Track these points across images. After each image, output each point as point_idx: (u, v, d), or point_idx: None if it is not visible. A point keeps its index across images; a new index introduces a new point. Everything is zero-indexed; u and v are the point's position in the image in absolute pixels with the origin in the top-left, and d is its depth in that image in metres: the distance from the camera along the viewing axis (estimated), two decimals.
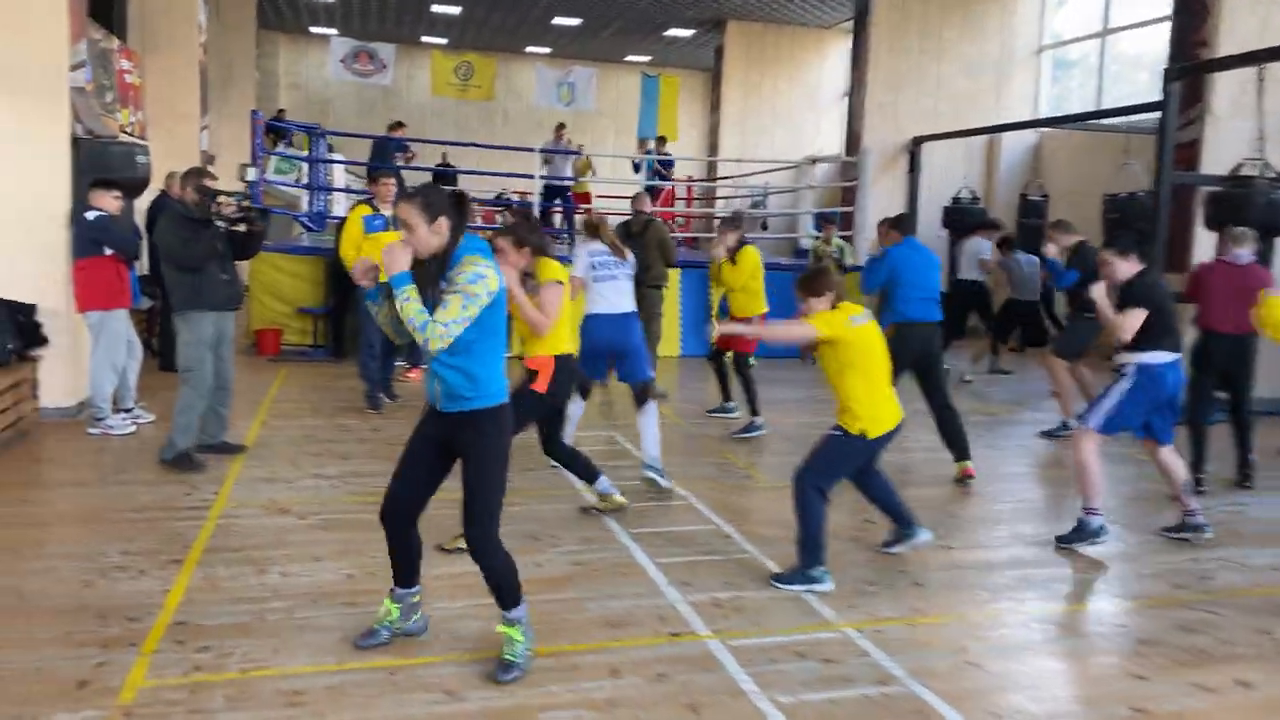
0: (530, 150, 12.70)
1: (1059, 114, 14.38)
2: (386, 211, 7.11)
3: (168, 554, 4.22)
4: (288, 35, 22.78)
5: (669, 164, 14.16)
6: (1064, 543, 4.82)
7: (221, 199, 5.45)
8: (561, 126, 14.14)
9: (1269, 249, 7.29)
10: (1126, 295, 4.78)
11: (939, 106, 14.37)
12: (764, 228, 18.35)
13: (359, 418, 7.13)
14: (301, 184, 14.18)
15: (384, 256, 3.05)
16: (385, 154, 13.35)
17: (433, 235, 3.05)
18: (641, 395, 5.54)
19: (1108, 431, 4.83)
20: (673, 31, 20.49)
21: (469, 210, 3.21)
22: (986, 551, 4.78)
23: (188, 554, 4.22)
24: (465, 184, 18.12)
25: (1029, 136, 14.44)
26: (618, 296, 5.54)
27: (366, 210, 7.26)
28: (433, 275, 3.10)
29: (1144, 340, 4.76)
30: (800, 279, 4.27)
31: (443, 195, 3.12)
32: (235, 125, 16.29)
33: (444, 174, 16.51)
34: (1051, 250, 7.40)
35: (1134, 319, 4.72)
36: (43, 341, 6.45)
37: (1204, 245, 8.78)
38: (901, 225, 6.36)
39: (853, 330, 4.15)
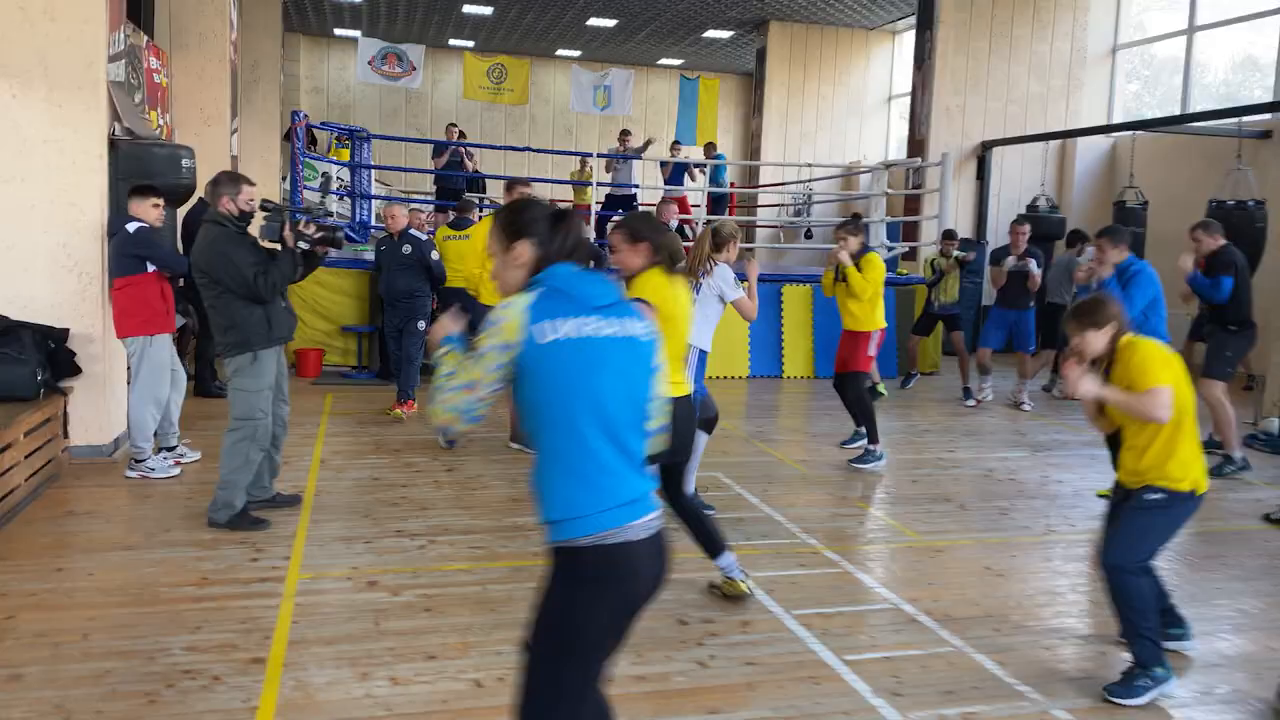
0: (589, 155, 11.93)
1: (1132, 118, 13.58)
2: None
3: (244, 649, 3.41)
4: (309, 37, 22.04)
5: (686, 168, 13.34)
6: None
7: (295, 217, 4.62)
8: (626, 133, 13.37)
9: None
10: None
11: (1009, 109, 13.59)
12: (808, 236, 17.58)
13: (426, 453, 6.32)
14: (333, 190, 13.42)
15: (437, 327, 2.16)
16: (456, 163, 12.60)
17: (510, 268, 2.10)
18: None
19: None
20: (711, 33, 19.70)
21: (571, 233, 2.11)
22: (1213, 640, 3.94)
23: (269, 649, 3.41)
24: (492, 191, 17.34)
25: (1104, 141, 13.63)
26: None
27: None
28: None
29: None
30: (1079, 308, 3.41)
31: (532, 211, 2.12)
32: (259, 129, 15.51)
33: (472, 179, 15.73)
34: (1188, 262, 6.52)
35: None
36: (75, 371, 5.65)
37: None
38: (1126, 238, 5.61)
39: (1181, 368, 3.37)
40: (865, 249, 6.41)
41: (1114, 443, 5.72)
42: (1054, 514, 5.54)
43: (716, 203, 14.43)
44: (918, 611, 3.99)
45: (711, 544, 3.98)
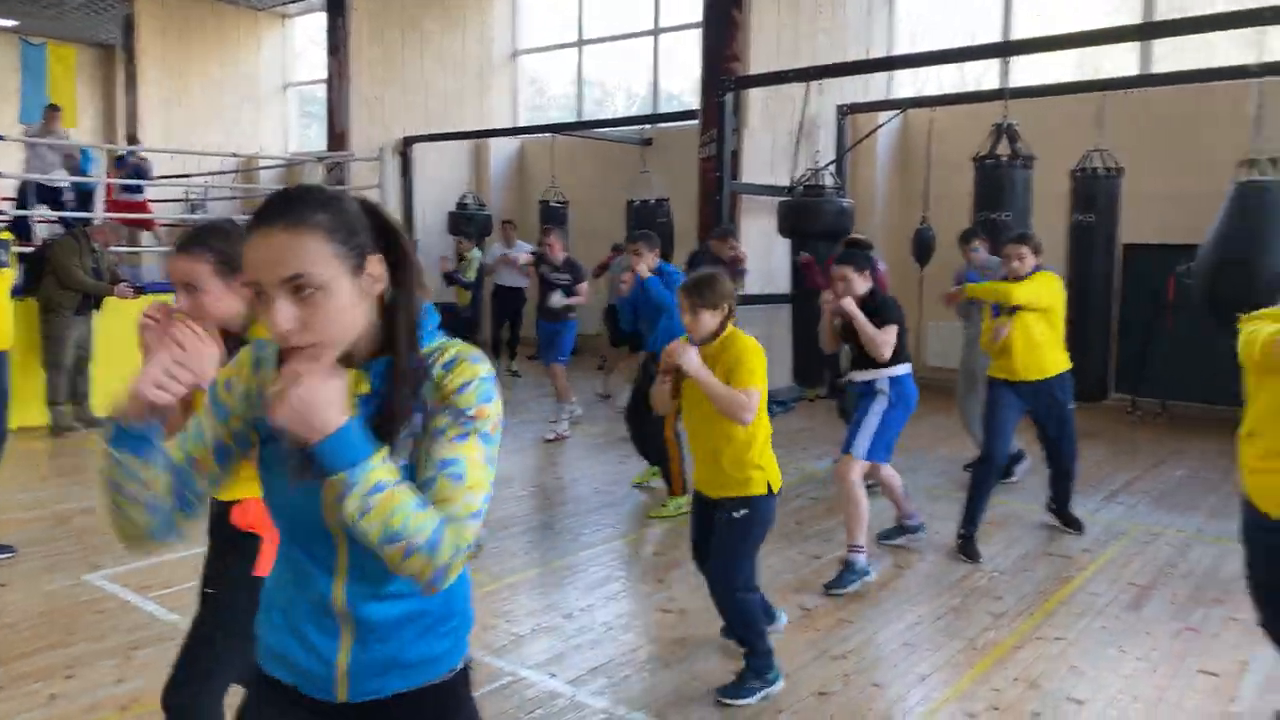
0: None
1: (533, 121, 14.43)
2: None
3: None
4: None
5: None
6: (836, 589, 4.36)
7: None
8: (55, 109, 10.19)
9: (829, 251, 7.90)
10: (878, 311, 4.51)
11: (428, 105, 13.48)
12: None
13: None
14: None
15: (283, 400, 1.23)
16: None
17: (355, 303, 1.31)
18: None
19: (872, 458, 4.54)
20: None
21: (404, 238, 1.40)
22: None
23: None
24: None
25: (513, 142, 14.27)
26: None
27: None
28: (399, 402, 1.34)
29: (893, 355, 4.54)
30: (691, 284, 3.28)
31: (352, 207, 1.34)
32: None
33: None
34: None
35: (892, 335, 4.48)
36: None
37: (752, 252, 9.31)
38: (658, 243, 5.66)
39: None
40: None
41: (637, 424, 5.81)
42: (611, 518, 5.42)
43: (85, 200, 11.82)
44: (571, 689, 3.45)
45: None
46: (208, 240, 2.00)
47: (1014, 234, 5.20)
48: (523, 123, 14.46)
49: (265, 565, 2.26)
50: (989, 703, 3.34)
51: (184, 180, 15.00)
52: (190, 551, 4.54)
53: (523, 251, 9.79)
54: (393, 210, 11.25)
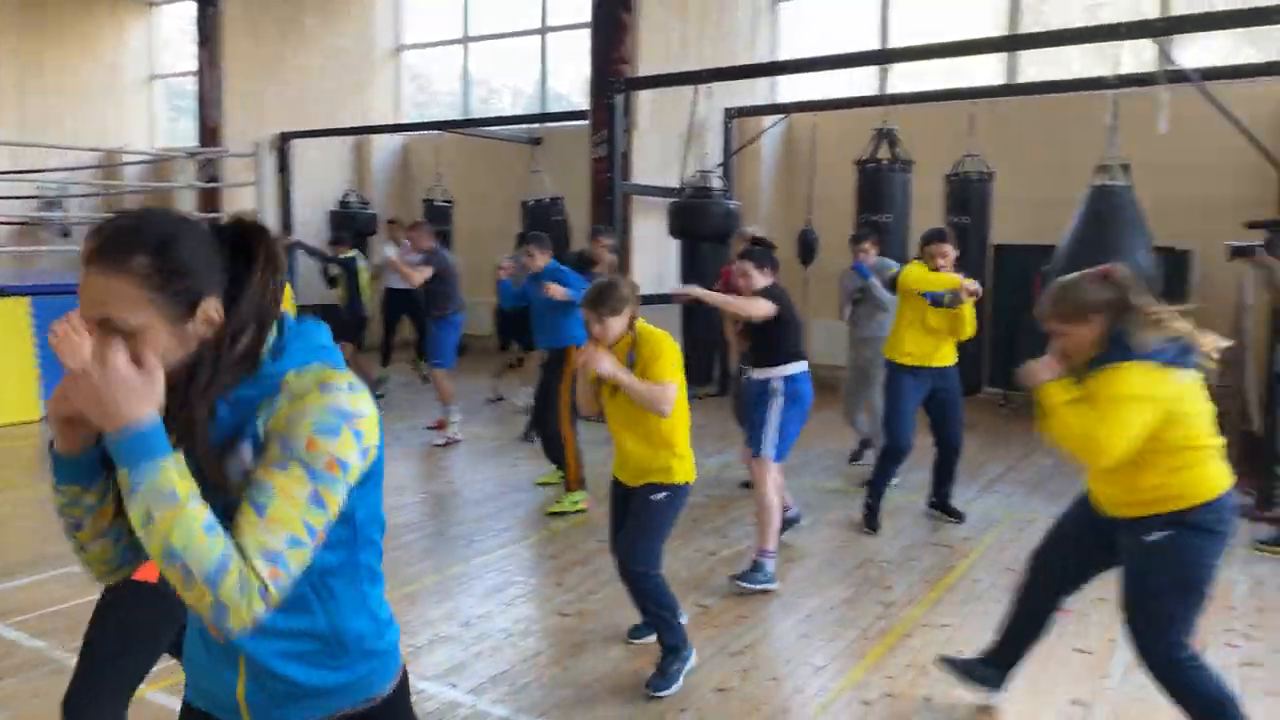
0: None
1: (415, 118, 14.13)
2: None
3: None
4: None
5: None
6: (745, 583, 4.39)
7: None
8: None
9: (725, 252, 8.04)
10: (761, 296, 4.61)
11: (305, 100, 13.03)
12: (66, 235, 14.77)
13: None
14: None
15: (76, 389, 1.19)
16: None
17: (176, 348, 1.25)
18: None
19: (781, 457, 4.62)
20: None
21: (278, 259, 1.32)
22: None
23: None
24: None
25: (396, 139, 13.95)
26: None
27: None
28: (208, 426, 1.27)
29: (784, 354, 4.61)
30: (593, 294, 3.37)
31: (198, 235, 1.27)
32: None
33: None
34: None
35: (759, 304, 4.47)
36: None
37: (644, 252, 9.36)
38: (549, 244, 5.67)
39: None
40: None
41: (541, 424, 5.76)
42: (505, 521, 5.34)
43: None
44: (472, 698, 3.37)
45: None
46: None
47: (934, 231, 5.27)
48: (406, 120, 14.16)
49: (150, 570, 2.15)
50: (883, 690, 3.44)
51: (37, 175, 14.06)
52: (53, 573, 4.28)
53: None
54: (269, 209, 10.92)
